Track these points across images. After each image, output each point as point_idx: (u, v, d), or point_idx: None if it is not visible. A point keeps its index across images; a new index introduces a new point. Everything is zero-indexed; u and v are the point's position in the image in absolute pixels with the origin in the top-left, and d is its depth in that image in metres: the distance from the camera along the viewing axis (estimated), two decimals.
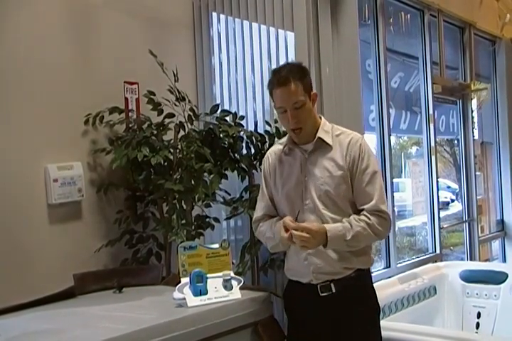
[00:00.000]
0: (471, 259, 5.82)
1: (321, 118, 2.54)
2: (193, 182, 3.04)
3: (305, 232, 2.27)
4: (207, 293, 2.29)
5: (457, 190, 6.70)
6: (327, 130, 2.48)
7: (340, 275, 2.43)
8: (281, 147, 2.56)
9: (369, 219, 2.36)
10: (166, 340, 2.02)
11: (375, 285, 3.95)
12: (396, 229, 4.78)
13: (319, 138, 2.44)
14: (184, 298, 2.27)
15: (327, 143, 2.44)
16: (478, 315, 4.52)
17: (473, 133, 6.06)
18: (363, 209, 2.40)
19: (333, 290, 2.42)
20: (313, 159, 2.46)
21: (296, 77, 2.37)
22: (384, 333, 2.94)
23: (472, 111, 6.12)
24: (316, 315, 2.44)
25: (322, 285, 2.43)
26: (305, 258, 2.44)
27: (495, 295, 4.47)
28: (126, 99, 3.33)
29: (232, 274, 2.42)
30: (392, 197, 4.67)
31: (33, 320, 2.28)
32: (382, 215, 2.39)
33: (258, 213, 2.60)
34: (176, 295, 2.35)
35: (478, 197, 6.06)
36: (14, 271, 2.82)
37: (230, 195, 3.39)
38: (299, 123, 2.39)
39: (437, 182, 5.31)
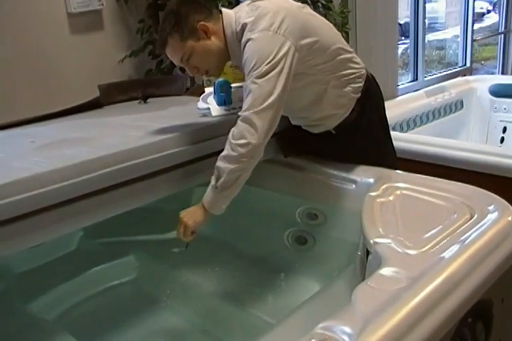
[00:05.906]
0: (503, 74, 5.67)
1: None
2: None
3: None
4: (231, 102, 2.27)
5: (495, 0, 6.36)
6: (234, 52, 1.99)
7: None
8: None
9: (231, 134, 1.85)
10: (190, 149, 2.03)
11: (400, 98, 4.01)
12: (426, 41, 4.62)
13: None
14: (208, 108, 2.27)
15: None
16: (504, 130, 4.53)
17: None
18: None
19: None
20: None
21: (169, 29, 1.98)
22: (409, 145, 3.00)
23: None
24: (317, 143, 2.26)
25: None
26: None
27: None
28: None
29: None
30: (424, 8, 4.47)
31: (62, 129, 2.32)
32: (247, 122, 1.80)
33: None
34: (200, 104, 2.35)
35: None
36: (38, 80, 2.84)
37: None
38: (202, 69, 2.04)
39: None
